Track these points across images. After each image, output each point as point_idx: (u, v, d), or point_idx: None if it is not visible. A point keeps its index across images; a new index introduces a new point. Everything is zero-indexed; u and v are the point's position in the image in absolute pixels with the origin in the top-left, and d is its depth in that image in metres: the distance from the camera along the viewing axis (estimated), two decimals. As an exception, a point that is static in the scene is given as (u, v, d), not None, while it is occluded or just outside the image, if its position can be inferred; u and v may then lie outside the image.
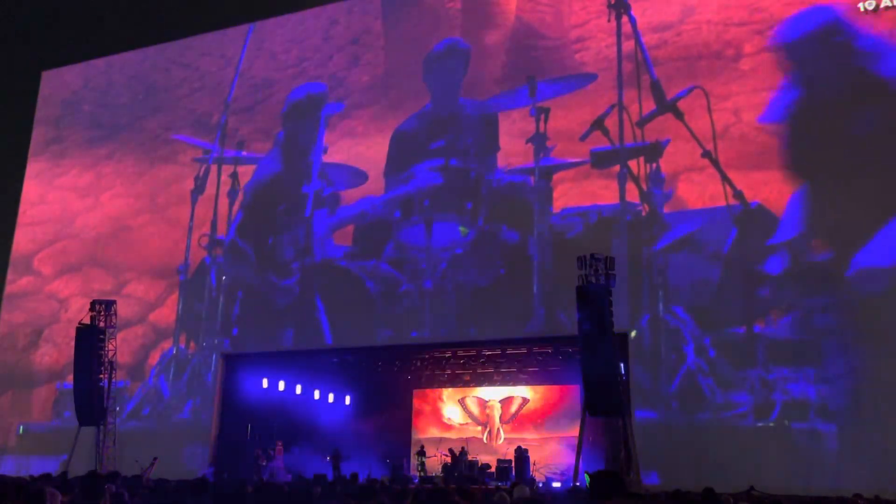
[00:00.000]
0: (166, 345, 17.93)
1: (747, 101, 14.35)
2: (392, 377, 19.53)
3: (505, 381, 19.02)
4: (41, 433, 18.39)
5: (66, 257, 20.11)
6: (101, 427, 15.13)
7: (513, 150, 16.00)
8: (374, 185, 17.07)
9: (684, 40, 15.18)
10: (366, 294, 16.31)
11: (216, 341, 17.49)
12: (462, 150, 16.56)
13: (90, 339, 15.18)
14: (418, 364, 19.28)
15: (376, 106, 17.90)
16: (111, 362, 15.35)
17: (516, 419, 19.03)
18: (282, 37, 19.78)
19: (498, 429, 19.05)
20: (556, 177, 15.47)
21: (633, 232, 14.45)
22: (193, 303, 17.93)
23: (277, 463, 16.41)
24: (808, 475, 12.13)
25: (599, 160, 15.14)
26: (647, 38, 15.41)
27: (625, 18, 15.70)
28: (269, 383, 17.73)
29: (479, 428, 19.28)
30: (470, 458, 16.85)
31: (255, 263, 17.69)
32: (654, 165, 14.63)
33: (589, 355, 11.78)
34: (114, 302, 15.81)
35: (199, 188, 18.92)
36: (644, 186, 14.62)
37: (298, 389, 18.75)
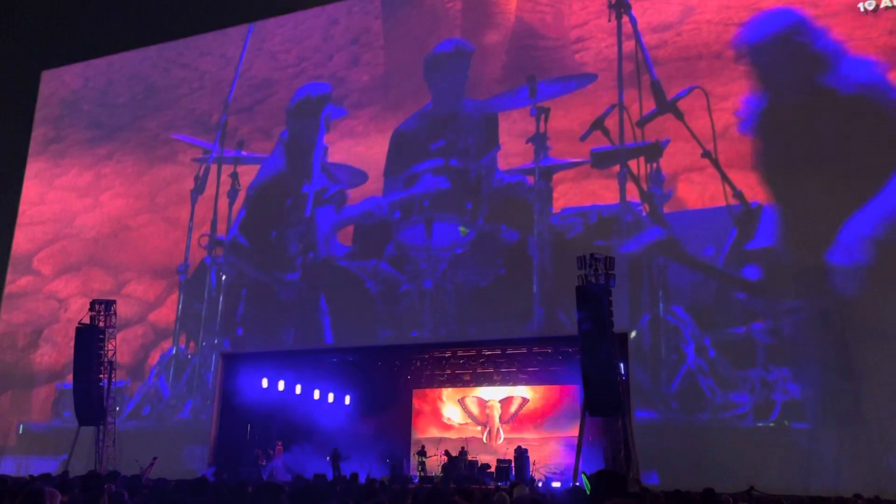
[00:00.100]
0: (166, 345, 17.93)
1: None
2: (392, 377, 19.52)
3: (505, 381, 19.02)
4: (41, 433, 18.39)
5: (66, 257, 20.11)
6: (101, 427, 15.13)
7: (513, 150, 16.00)
8: (375, 184, 17.07)
9: (684, 40, 15.18)
10: (366, 294, 16.32)
11: (216, 341, 17.49)
12: (462, 150, 16.56)
13: (90, 339, 15.18)
14: (418, 364, 19.28)
15: (376, 106, 17.90)
16: (111, 362, 15.36)
17: (516, 419, 19.03)
18: (282, 37, 19.78)
19: (498, 429, 19.05)
20: (556, 177, 15.46)
21: (633, 232, 14.45)
22: (193, 303, 17.94)
23: (277, 463, 16.42)
24: (808, 475, 12.12)
25: (599, 160, 15.15)
26: (648, 39, 15.41)
27: (625, 18, 15.70)
28: (268, 383, 17.72)
29: (479, 428, 19.27)
30: (470, 457, 16.85)
31: (258, 260, 17.70)
32: (655, 165, 14.63)
33: (589, 355, 11.78)
34: (113, 302, 15.82)
35: (198, 188, 18.92)
36: (644, 186, 14.62)
37: (298, 389, 18.74)
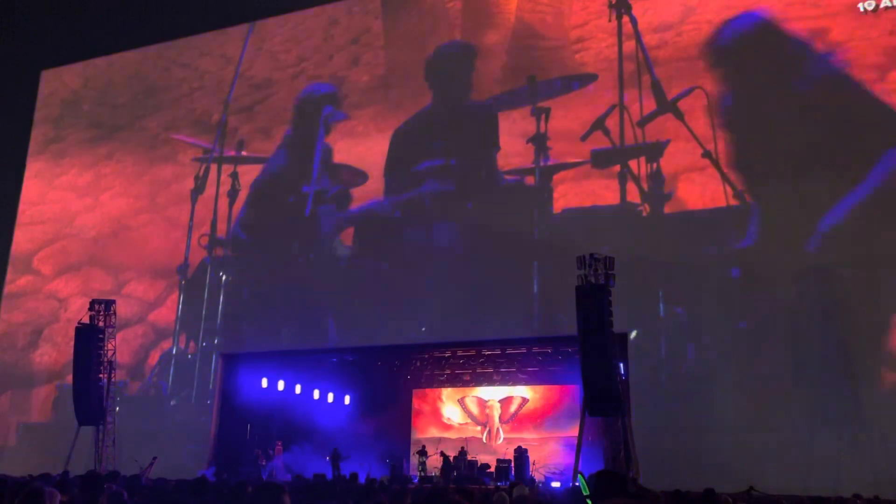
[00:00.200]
0: (166, 345, 17.92)
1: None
2: (392, 377, 19.52)
3: (504, 380, 19.02)
4: (41, 433, 18.38)
5: (66, 257, 20.10)
6: (101, 427, 15.13)
7: (513, 150, 15.99)
8: (375, 184, 17.06)
9: (685, 40, 15.18)
10: (366, 294, 16.31)
11: (216, 341, 17.48)
12: (462, 150, 16.55)
13: (90, 339, 15.18)
14: (418, 364, 19.28)
15: (376, 106, 17.89)
16: (111, 362, 15.36)
17: (516, 419, 19.02)
18: (282, 37, 19.78)
19: (497, 428, 19.05)
20: (556, 177, 15.46)
21: (633, 232, 14.44)
22: (193, 303, 17.93)
23: (277, 462, 16.42)
24: (808, 475, 12.11)
25: (600, 160, 15.14)
26: (648, 39, 15.41)
27: (625, 19, 15.69)
28: (268, 383, 17.73)
29: (479, 428, 19.27)
30: (469, 457, 16.85)
31: (258, 259, 17.69)
32: (655, 165, 14.62)
33: (588, 355, 11.78)
34: (113, 301, 15.82)
35: (198, 188, 18.91)
36: (644, 186, 14.61)
37: (298, 389, 18.74)
